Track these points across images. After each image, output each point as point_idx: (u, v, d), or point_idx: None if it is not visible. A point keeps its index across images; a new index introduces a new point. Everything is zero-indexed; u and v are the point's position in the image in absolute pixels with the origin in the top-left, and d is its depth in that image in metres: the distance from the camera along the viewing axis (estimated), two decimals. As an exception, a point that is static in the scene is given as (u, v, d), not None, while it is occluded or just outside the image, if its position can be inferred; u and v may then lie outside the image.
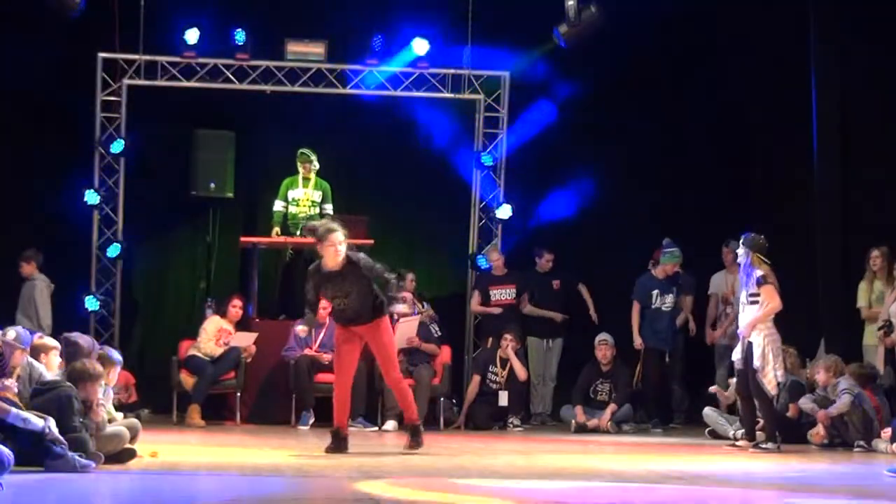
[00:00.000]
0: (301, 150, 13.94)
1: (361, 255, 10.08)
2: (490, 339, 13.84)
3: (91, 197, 14.13)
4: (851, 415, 11.44)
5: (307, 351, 13.11)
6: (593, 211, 14.83)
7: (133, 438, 9.11)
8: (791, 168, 14.40)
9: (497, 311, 14.08)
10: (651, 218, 14.77)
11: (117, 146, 14.16)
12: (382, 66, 14.50)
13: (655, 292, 13.72)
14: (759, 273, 11.04)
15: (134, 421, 9.52)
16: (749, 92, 14.87)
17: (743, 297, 11.23)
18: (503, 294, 14.15)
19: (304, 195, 14.00)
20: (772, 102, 14.71)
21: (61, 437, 7.98)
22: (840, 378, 11.67)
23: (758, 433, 11.23)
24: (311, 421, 12.78)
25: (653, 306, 13.72)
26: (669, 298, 13.74)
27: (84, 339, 9.14)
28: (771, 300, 11.00)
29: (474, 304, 14.33)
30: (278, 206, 14.02)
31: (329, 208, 13.98)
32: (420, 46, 14.40)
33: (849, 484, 8.84)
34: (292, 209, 13.99)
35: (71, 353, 8.96)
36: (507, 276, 14.24)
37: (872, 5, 13.41)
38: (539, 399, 14.27)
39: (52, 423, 7.96)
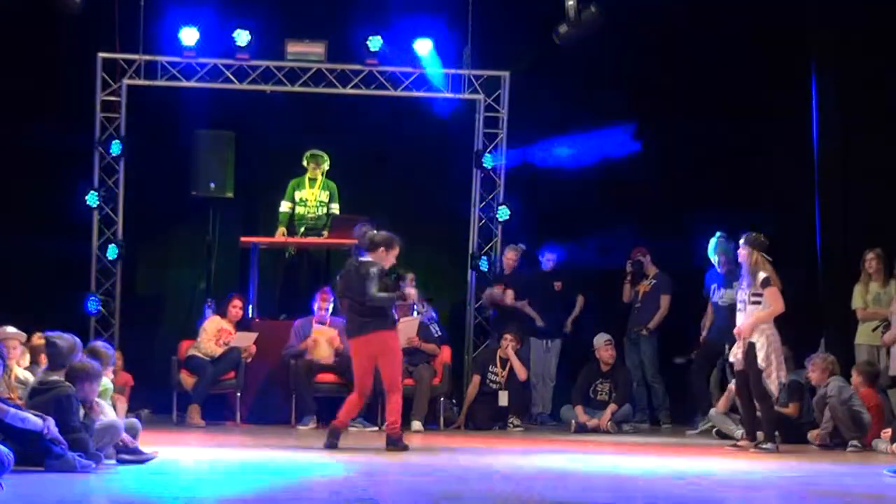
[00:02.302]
0: (313, 152, 13.95)
1: None
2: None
3: (91, 198, 14.13)
4: (838, 412, 11.39)
5: (307, 355, 13.09)
6: (593, 211, 14.83)
7: (133, 439, 9.09)
8: (791, 168, 14.40)
9: (518, 304, 14.09)
10: (650, 218, 14.79)
11: (115, 148, 14.17)
12: (383, 66, 14.52)
13: (713, 286, 13.36)
14: (763, 274, 10.99)
15: (134, 421, 9.50)
16: (749, 93, 14.86)
17: (741, 296, 11.18)
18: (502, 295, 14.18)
19: (311, 195, 14.02)
20: (772, 103, 14.70)
21: (61, 437, 7.97)
22: (831, 378, 11.64)
23: (758, 433, 11.21)
24: (311, 422, 12.78)
25: (713, 300, 13.33)
26: (727, 293, 13.08)
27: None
28: (774, 303, 10.95)
29: (503, 296, 14.24)
30: (284, 206, 14.03)
31: (336, 208, 14.02)
32: (422, 47, 14.40)
33: (849, 484, 8.84)
34: (299, 209, 14.01)
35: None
36: (507, 277, 14.25)
37: (873, 4, 13.42)
38: (539, 399, 14.27)
39: (51, 422, 7.95)
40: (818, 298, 13.56)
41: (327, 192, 14.04)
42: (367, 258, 10.46)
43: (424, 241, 15.07)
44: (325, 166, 14.01)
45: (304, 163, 13.99)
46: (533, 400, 14.21)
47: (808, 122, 13.88)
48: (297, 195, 14.02)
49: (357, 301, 10.42)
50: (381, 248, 10.45)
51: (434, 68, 14.50)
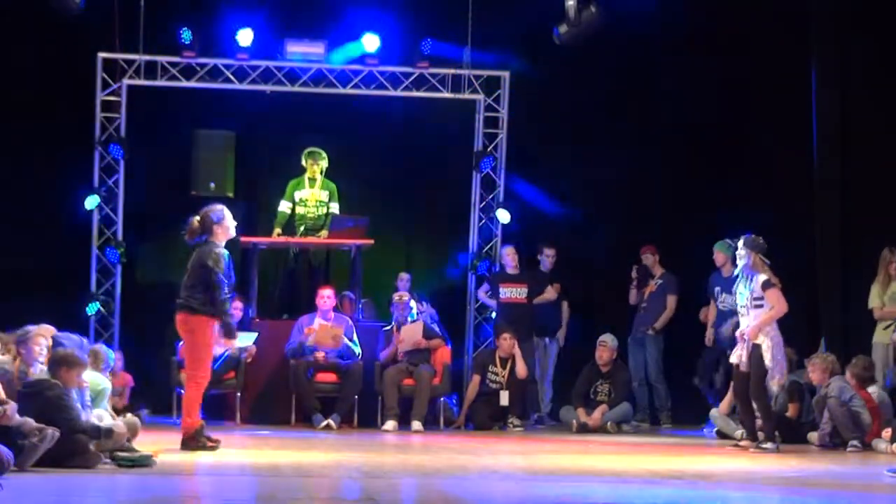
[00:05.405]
0: (310, 150, 13.93)
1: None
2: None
3: (91, 200, 14.14)
4: (837, 412, 11.38)
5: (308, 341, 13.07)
6: (592, 211, 14.84)
7: (132, 437, 9.09)
8: (791, 167, 14.40)
9: (495, 304, 14.07)
10: (650, 219, 14.79)
11: (116, 151, 14.18)
12: (383, 66, 14.53)
13: (717, 289, 13.39)
14: (763, 277, 10.98)
15: (134, 419, 9.49)
16: (748, 93, 14.86)
17: (743, 300, 11.15)
18: (514, 293, 14.10)
19: (311, 195, 14.00)
20: (771, 103, 14.69)
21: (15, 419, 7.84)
22: (833, 378, 11.62)
23: (758, 434, 11.21)
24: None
25: (717, 304, 13.38)
26: (730, 299, 13.03)
27: None
28: (777, 303, 10.92)
29: (480, 293, 14.27)
30: (284, 206, 14.02)
31: (336, 207, 13.99)
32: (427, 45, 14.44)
33: (849, 484, 8.84)
34: (299, 209, 13.99)
35: None
36: (519, 275, 14.18)
37: (872, 4, 13.43)
38: (536, 401, 14.23)
39: (11, 408, 7.81)
40: (818, 299, 13.55)
41: (327, 192, 14.03)
42: (206, 240, 10.20)
43: (424, 241, 15.09)
44: (324, 163, 13.98)
45: (303, 161, 13.97)
46: (531, 401, 14.14)
47: (808, 122, 13.87)
48: (297, 195, 14.01)
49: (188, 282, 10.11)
50: (216, 227, 10.19)
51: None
